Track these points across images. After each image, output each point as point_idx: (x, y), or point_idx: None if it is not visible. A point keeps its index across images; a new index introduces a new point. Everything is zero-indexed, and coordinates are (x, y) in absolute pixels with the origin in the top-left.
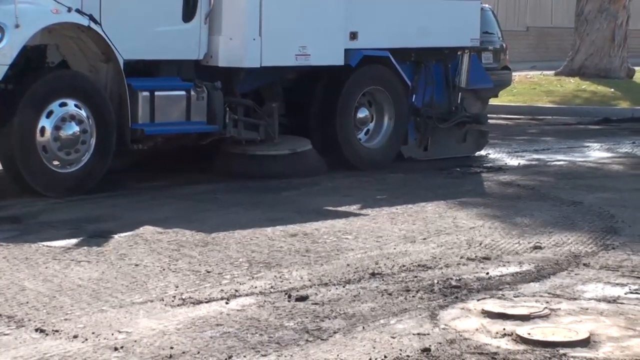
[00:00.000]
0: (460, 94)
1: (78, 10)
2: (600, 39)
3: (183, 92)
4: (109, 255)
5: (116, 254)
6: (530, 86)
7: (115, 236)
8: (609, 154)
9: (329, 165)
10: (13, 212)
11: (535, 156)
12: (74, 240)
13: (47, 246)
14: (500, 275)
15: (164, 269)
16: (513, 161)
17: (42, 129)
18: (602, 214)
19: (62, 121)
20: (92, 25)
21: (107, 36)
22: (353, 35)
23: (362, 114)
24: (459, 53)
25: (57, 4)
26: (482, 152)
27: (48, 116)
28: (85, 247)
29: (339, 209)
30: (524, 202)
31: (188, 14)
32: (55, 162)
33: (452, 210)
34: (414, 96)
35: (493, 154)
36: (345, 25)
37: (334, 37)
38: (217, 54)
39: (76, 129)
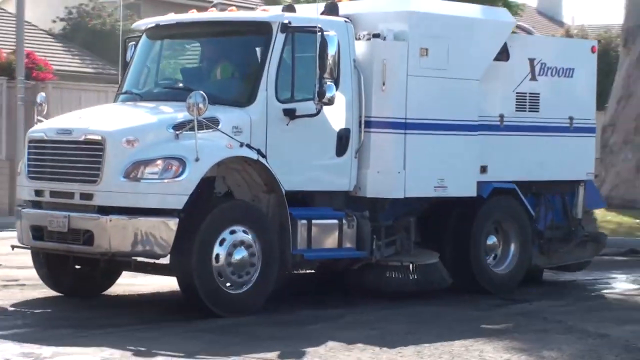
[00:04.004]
0: None
1: (248, 146)
2: (626, 170)
3: (336, 221)
4: None
5: None
6: None
7: None
8: (636, 286)
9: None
10: None
11: (561, 288)
12: None
13: None
14: None
15: None
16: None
17: (217, 256)
18: (630, 348)
19: (234, 247)
20: (260, 159)
21: (271, 169)
22: (483, 169)
23: (491, 240)
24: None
25: (230, 139)
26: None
27: (221, 243)
28: None
29: (366, 343)
30: (551, 335)
31: (341, 149)
32: (228, 284)
33: (479, 343)
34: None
35: (518, 285)
36: (476, 160)
37: (467, 171)
38: (365, 186)
39: (245, 253)
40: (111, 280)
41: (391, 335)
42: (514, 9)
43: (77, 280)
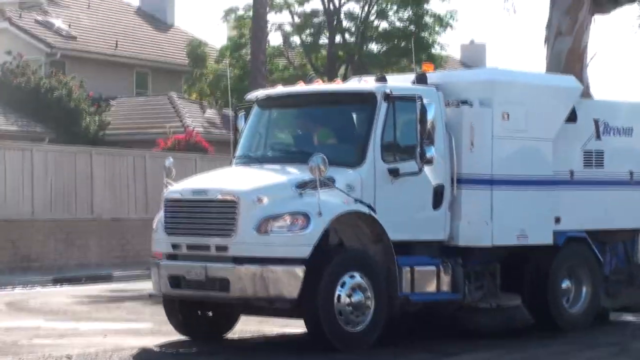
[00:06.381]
0: None
1: (360, 201)
2: None
3: (434, 267)
4: None
5: None
6: None
7: None
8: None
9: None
10: None
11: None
12: None
13: None
14: None
15: None
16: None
17: (339, 298)
18: None
19: (352, 290)
20: (371, 213)
21: (380, 222)
22: (557, 220)
23: (565, 284)
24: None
25: (346, 196)
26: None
27: (341, 287)
28: None
29: None
30: None
31: (437, 203)
32: (347, 324)
33: None
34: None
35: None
36: (551, 212)
37: (544, 221)
38: (457, 235)
39: (361, 296)
40: (231, 325)
41: None
42: (437, 61)
43: (206, 325)
